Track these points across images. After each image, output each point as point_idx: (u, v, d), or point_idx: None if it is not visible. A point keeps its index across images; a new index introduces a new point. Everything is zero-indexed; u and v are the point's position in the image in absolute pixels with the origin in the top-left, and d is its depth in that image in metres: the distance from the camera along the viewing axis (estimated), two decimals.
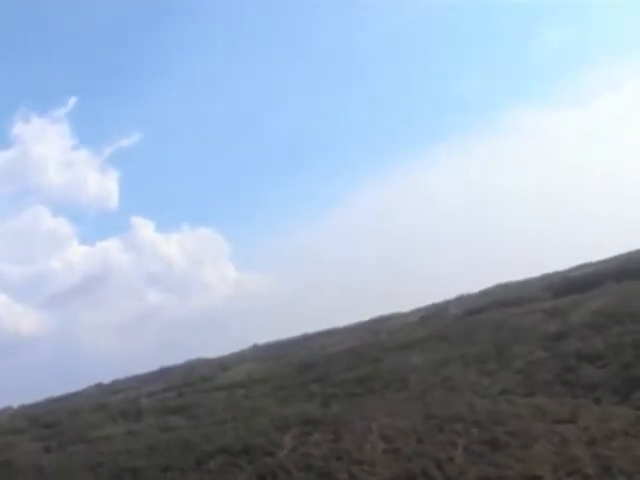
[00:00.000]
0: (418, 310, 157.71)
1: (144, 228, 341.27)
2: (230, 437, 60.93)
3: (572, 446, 45.10)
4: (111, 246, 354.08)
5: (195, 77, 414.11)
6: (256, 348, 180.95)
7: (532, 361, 72.47)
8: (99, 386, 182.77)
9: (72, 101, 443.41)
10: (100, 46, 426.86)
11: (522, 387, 66.02)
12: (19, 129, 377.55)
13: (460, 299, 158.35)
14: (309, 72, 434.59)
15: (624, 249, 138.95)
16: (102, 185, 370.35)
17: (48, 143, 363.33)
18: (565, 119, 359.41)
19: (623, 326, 72.40)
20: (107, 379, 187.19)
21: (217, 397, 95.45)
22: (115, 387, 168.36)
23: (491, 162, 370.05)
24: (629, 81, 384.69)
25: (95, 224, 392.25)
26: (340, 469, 48.17)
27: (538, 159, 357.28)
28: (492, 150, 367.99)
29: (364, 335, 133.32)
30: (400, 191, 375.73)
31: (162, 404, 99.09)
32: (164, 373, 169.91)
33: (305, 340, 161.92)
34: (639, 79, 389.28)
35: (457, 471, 44.79)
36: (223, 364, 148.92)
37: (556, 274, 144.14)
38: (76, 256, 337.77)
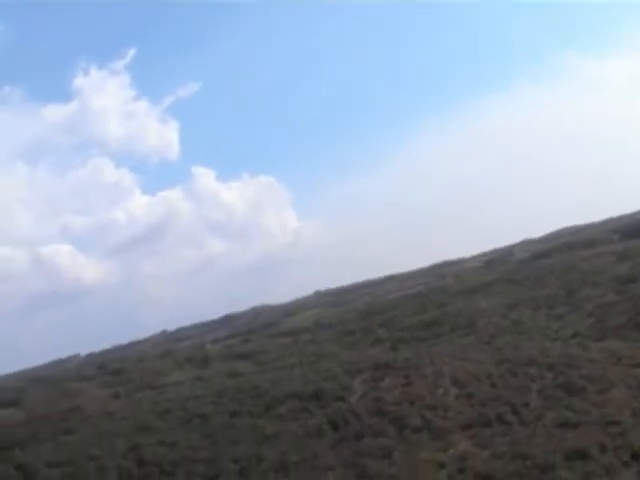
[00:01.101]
0: (482, 255, 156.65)
1: (205, 177, 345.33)
2: (299, 382, 60.89)
3: None
4: (172, 195, 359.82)
5: (252, 28, 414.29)
6: (318, 294, 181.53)
7: (603, 304, 71.06)
8: (164, 334, 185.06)
9: (131, 53, 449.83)
10: None
11: (593, 331, 64.69)
12: (79, 82, 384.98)
13: (524, 243, 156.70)
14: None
15: None
16: (162, 135, 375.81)
17: (108, 95, 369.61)
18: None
19: None
20: (171, 327, 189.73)
21: (283, 343, 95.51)
22: (180, 334, 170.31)
23: (553, 109, 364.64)
24: None
25: (156, 174, 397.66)
26: (412, 414, 47.67)
27: (601, 107, 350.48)
28: (555, 97, 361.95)
29: (428, 280, 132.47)
30: (459, 137, 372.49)
31: (228, 350, 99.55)
32: (228, 320, 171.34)
33: (368, 286, 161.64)
34: None
35: (533, 416, 43.98)
36: (287, 310, 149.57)
37: (622, 217, 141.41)
38: (138, 206, 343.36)
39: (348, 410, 50.73)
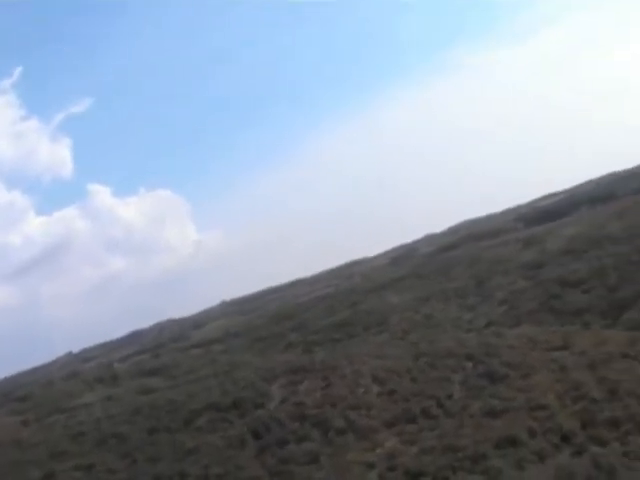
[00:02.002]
0: (387, 252, 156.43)
1: (101, 194, 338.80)
2: (216, 393, 59.37)
3: (573, 372, 43.90)
4: (69, 214, 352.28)
5: (142, 37, 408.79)
6: (224, 304, 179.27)
7: (514, 291, 71.25)
8: (69, 355, 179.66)
9: (17, 71, 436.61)
10: (42, 12, 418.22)
11: (507, 318, 64.79)
12: None
13: (428, 238, 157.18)
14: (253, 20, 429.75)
15: (587, 177, 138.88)
16: (55, 154, 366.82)
17: None
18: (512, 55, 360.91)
19: (602, 249, 71.22)
20: (76, 348, 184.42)
21: (194, 355, 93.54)
22: (86, 355, 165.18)
23: (447, 101, 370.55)
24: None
25: (51, 194, 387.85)
26: (336, 416, 46.70)
27: (492, 97, 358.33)
28: (447, 89, 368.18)
29: (336, 281, 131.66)
30: (357, 135, 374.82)
31: (138, 367, 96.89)
32: (134, 337, 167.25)
33: (275, 292, 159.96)
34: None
35: (458, 407, 43.48)
36: (194, 322, 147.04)
37: (522, 206, 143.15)
38: (34, 227, 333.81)
39: (269, 417, 49.54)
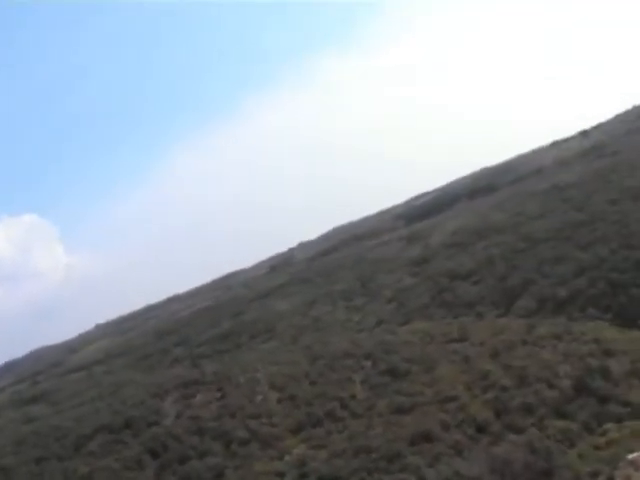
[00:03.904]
0: (263, 262, 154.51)
1: None
2: (105, 414, 56.12)
3: (477, 362, 43.03)
4: None
5: None
6: (100, 327, 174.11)
7: (401, 288, 70.61)
8: None
9: None
10: None
11: (397, 316, 64.25)
12: None
13: (303, 245, 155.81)
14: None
15: (461, 174, 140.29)
16: None
17: None
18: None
19: (488, 240, 71.23)
20: None
21: (75, 379, 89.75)
22: None
23: (301, 113, 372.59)
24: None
25: None
26: (236, 426, 44.51)
27: (352, 106, 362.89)
28: (301, 101, 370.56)
29: (216, 294, 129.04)
30: (222, 151, 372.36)
31: (17, 396, 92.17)
32: (9, 367, 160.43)
33: (152, 310, 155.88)
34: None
35: (364, 407, 41.96)
36: (70, 347, 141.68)
37: (398, 206, 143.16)
38: None
39: (165, 434, 46.85)
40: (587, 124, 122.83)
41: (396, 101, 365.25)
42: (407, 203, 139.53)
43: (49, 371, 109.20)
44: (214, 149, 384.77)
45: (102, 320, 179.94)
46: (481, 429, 34.78)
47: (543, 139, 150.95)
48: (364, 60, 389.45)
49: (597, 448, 30.65)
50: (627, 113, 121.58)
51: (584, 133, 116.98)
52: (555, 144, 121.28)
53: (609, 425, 32.41)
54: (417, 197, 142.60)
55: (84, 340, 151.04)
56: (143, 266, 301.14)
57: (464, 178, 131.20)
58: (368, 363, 49.37)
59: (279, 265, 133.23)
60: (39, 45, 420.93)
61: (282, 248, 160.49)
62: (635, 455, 27.42)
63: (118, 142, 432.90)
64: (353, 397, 44.03)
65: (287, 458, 38.72)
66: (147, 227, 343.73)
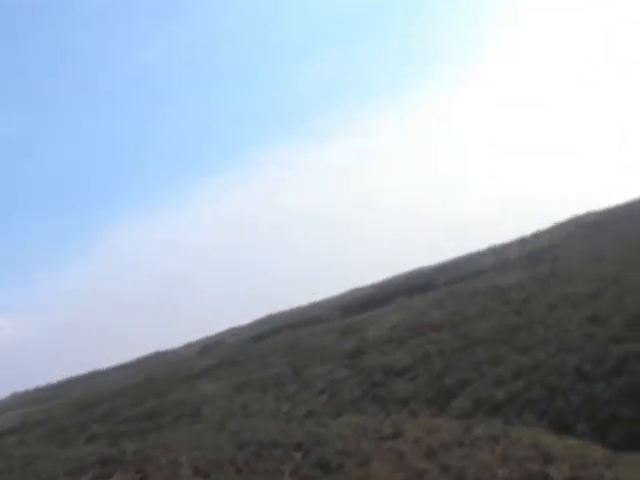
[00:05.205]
0: (195, 343, 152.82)
1: None
2: None
3: (412, 460, 41.59)
4: None
5: None
6: (16, 396, 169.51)
7: (334, 380, 69.43)
8: None
9: None
10: None
11: (329, 407, 62.85)
12: None
13: (235, 330, 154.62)
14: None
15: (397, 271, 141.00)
16: None
17: None
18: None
19: (425, 337, 70.77)
20: None
21: None
22: None
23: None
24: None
25: None
26: None
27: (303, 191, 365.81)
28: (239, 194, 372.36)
29: (142, 371, 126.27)
30: (150, 232, 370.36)
31: None
32: None
33: (76, 381, 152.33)
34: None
35: None
36: None
37: (335, 298, 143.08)
38: None
39: None
40: (527, 230, 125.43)
41: (339, 194, 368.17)
42: (343, 296, 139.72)
43: None
44: (149, 230, 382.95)
45: (20, 388, 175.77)
46: None
47: (483, 242, 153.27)
48: (312, 153, 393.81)
49: None
50: (568, 222, 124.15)
51: (523, 239, 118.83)
52: (494, 248, 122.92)
53: None
54: (353, 290, 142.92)
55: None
56: (71, 336, 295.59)
57: (401, 275, 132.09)
58: (298, 454, 47.49)
59: (209, 347, 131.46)
60: None
61: (213, 331, 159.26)
62: None
63: (53, 212, 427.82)
64: None
65: None
66: (81, 298, 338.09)
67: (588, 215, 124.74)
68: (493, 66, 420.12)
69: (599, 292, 62.61)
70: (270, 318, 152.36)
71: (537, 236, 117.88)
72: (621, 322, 52.91)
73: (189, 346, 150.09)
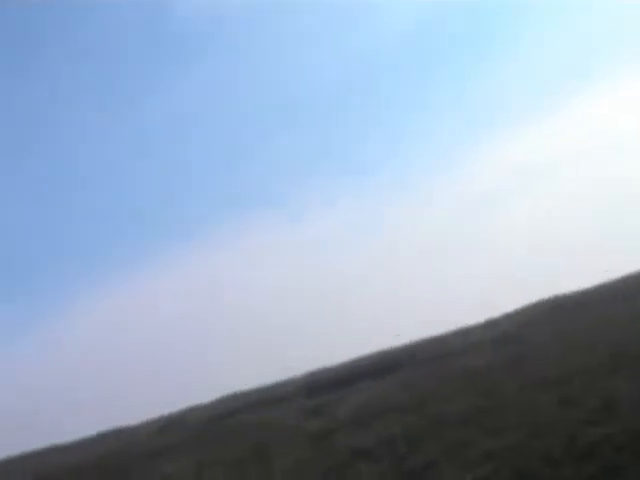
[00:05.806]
0: (154, 421, 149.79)
1: None
2: None
3: None
4: None
5: None
6: None
7: (299, 460, 68.08)
8: None
9: None
10: None
11: None
12: None
13: (196, 408, 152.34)
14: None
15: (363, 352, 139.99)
16: None
17: None
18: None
19: (391, 419, 69.97)
20: None
21: None
22: None
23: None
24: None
25: None
26: None
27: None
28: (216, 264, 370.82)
29: (99, 448, 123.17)
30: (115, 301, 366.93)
31: None
32: None
33: (27, 458, 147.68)
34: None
35: None
36: None
37: (298, 378, 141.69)
38: None
39: None
40: (495, 312, 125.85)
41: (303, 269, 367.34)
42: (307, 375, 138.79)
43: None
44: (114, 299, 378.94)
45: None
46: None
47: (448, 324, 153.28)
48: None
49: None
50: (538, 302, 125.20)
51: (492, 320, 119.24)
52: (460, 330, 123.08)
53: None
54: (318, 370, 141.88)
55: None
56: (25, 410, 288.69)
57: (368, 356, 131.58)
58: None
59: (169, 425, 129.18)
60: None
61: (173, 408, 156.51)
62: None
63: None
64: None
65: None
66: (32, 369, 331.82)
67: (558, 297, 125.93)
68: None
69: (570, 375, 62.48)
70: (231, 397, 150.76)
71: (507, 317, 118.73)
72: (592, 406, 52.61)
73: (147, 423, 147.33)
